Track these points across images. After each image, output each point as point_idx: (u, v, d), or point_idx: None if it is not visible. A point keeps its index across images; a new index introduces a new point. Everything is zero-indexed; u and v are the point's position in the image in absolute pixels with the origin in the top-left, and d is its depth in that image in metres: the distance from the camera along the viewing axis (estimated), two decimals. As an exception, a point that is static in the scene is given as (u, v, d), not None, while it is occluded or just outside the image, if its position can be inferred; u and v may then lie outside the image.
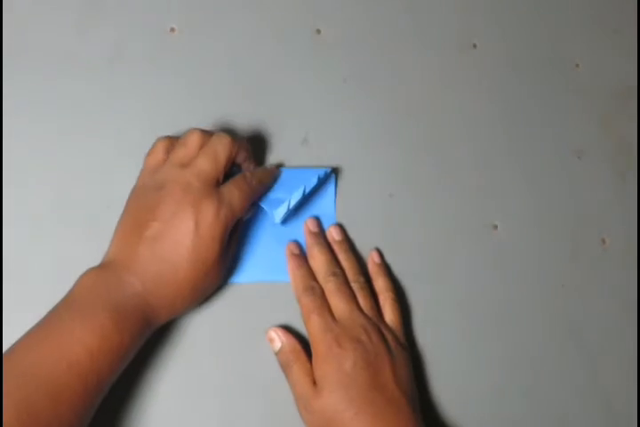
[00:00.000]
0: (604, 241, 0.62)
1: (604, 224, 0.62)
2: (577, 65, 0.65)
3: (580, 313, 0.59)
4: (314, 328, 0.47)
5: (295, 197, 0.49)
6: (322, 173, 0.51)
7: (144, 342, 0.43)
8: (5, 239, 0.47)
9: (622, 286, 0.61)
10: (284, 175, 0.51)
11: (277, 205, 0.49)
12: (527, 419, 0.56)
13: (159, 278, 0.42)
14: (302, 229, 0.52)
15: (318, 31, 0.57)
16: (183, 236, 0.42)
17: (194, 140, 0.45)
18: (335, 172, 0.54)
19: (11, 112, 0.49)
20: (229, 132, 0.52)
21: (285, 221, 0.51)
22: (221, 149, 0.45)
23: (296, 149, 0.54)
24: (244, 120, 0.53)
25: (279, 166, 0.52)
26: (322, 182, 0.52)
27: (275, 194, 0.50)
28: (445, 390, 0.54)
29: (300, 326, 0.50)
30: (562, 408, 0.57)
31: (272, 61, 0.55)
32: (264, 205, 0.49)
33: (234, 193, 0.45)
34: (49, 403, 0.36)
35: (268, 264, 0.51)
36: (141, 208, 0.43)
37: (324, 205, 0.54)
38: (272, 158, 0.53)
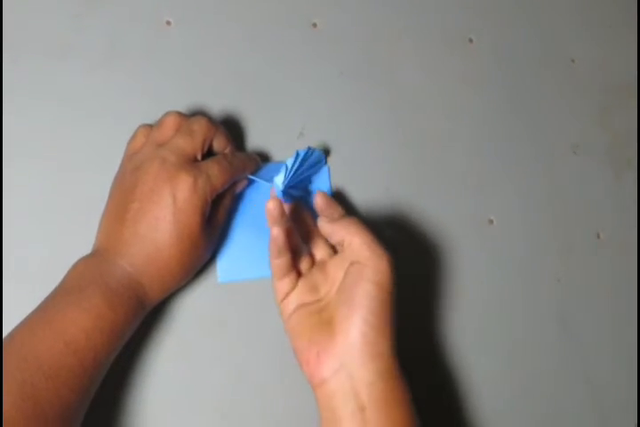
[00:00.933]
0: (598, 235, 0.62)
1: (600, 219, 0.62)
2: (573, 60, 0.65)
3: (575, 307, 0.59)
4: None
5: (290, 161, 0.47)
6: (308, 151, 0.49)
7: (140, 321, 0.43)
8: (3, 231, 0.47)
9: (617, 279, 0.61)
10: (271, 167, 0.51)
11: (274, 175, 0.48)
12: (521, 413, 0.56)
13: (146, 257, 0.42)
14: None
15: (314, 25, 0.57)
16: (162, 211, 0.42)
17: (170, 120, 0.45)
18: (330, 165, 0.54)
19: (6, 104, 0.49)
20: (226, 126, 0.52)
21: (287, 192, 0.48)
22: (198, 127, 0.45)
23: (292, 143, 0.54)
24: (240, 113, 0.53)
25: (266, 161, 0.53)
26: (312, 158, 0.50)
27: (267, 174, 0.50)
28: (438, 385, 0.54)
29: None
30: (552, 403, 0.57)
31: (268, 55, 0.55)
32: (261, 178, 0.49)
33: (212, 167, 0.44)
34: (49, 383, 0.36)
35: (260, 261, 0.50)
36: (121, 192, 0.44)
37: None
38: (268, 152, 0.53)
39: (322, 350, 0.42)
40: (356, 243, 0.43)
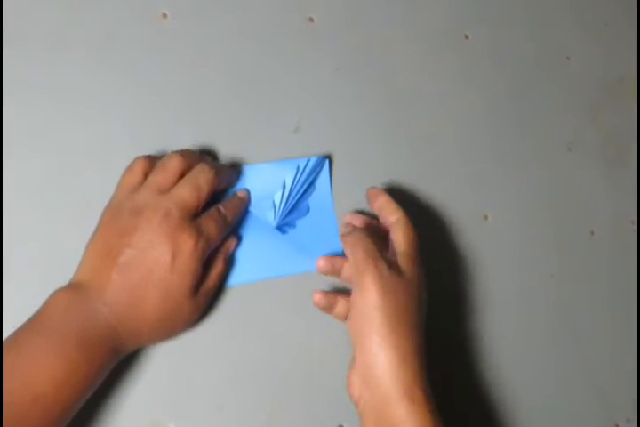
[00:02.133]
0: (592, 232, 0.62)
1: (594, 215, 0.63)
2: (568, 58, 0.66)
3: (568, 303, 0.60)
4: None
5: (278, 197, 0.50)
6: (302, 162, 0.51)
7: (109, 371, 0.42)
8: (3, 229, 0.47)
9: (610, 276, 0.62)
10: (268, 170, 0.51)
11: (267, 208, 0.50)
12: (517, 409, 0.56)
13: (128, 309, 0.41)
14: (300, 220, 0.52)
15: (311, 19, 0.57)
16: (158, 266, 0.41)
17: (174, 166, 0.44)
18: (330, 162, 0.54)
19: (6, 97, 0.48)
20: (221, 121, 0.52)
21: (286, 218, 0.51)
22: (203, 180, 0.44)
23: (288, 138, 0.54)
24: (236, 108, 0.53)
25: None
26: (308, 171, 0.52)
27: (262, 194, 0.50)
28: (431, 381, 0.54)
29: (299, 323, 0.51)
30: (553, 396, 0.57)
31: (264, 49, 0.55)
32: (255, 211, 0.50)
33: (210, 225, 0.44)
34: None
35: (268, 261, 0.51)
36: (116, 232, 0.42)
37: (321, 195, 0.53)
38: (264, 146, 0.53)
39: (350, 373, 0.44)
40: (349, 265, 0.46)
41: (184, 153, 0.45)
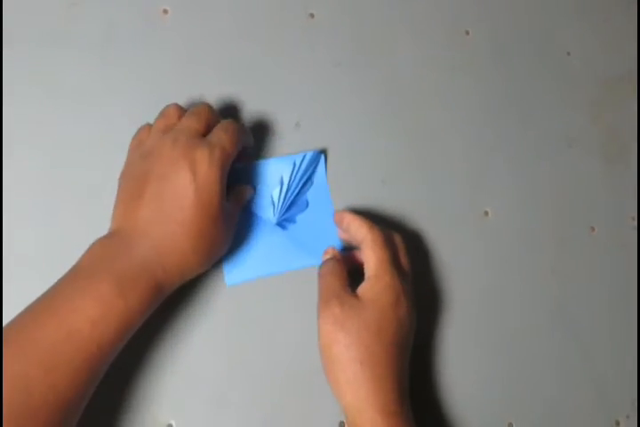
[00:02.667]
0: (592, 229, 0.62)
1: (594, 211, 0.63)
2: (568, 53, 0.65)
3: (569, 299, 0.60)
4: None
5: (276, 193, 0.50)
6: (298, 158, 0.51)
7: (155, 307, 0.42)
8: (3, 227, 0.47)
9: (611, 272, 0.62)
10: (265, 167, 0.51)
11: (266, 205, 0.50)
12: (518, 404, 0.56)
13: (167, 236, 0.40)
14: (300, 216, 0.52)
15: (312, 15, 0.57)
16: (182, 188, 0.40)
17: (172, 110, 0.45)
18: (326, 157, 0.54)
19: (5, 92, 0.48)
20: (222, 116, 0.52)
21: (285, 214, 0.51)
22: (202, 109, 0.45)
23: (289, 133, 0.54)
24: (236, 103, 0.53)
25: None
26: (304, 166, 0.52)
27: (260, 191, 0.51)
28: (434, 376, 0.54)
29: (301, 318, 0.51)
30: (553, 393, 0.57)
31: (265, 44, 0.55)
32: (254, 208, 0.50)
33: (221, 136, 0.43)
34: (46, 376, 0.35)
35: (269, 258, 0.51)
36: (133, 179, 0.42)
37: (318, 190, 0.53)
38: (265, 142, 0.53)
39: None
40: None
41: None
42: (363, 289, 0.46)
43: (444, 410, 0.53)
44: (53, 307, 0.37)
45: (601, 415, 0.59)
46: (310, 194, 0.53)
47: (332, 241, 0.52)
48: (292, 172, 0.51)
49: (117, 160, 0.47)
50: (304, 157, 0.51)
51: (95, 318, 0.37)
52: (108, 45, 0.51)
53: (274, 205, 0.50)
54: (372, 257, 0.46)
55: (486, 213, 0.59)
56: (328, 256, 0.49)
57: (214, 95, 0.53)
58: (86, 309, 0.37)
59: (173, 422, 0.47)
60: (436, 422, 0.52)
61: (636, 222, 0.64)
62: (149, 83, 0.51)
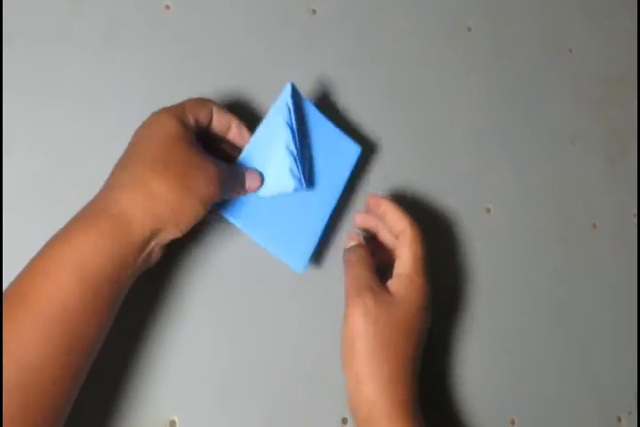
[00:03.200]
0: (594, 226, 0.62)
1: (596, 208, 0.63)
2: (570, 50, 0.65)
3: (570, 295, 0.60)
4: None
5: (285, 160, 0.47)
6: (282, 101, 0.47)
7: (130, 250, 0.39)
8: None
9: (612, 268, 0.62)
10: (260, 140, 0.48)
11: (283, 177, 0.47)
12: (521, 400, 0.56)
13: (128, 176, 0.40)
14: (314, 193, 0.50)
15: (314, 11, 0.57)
16: (140, 132, 0.42)
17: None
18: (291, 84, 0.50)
19: (4, 90, 0.48)
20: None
21: (306, 177, 0.48)
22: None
23: (291, 130, 0.54)
24: (239, 99, 0.53)
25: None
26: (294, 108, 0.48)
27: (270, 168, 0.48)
28: (438, 373, 0.54)
29: (304, 315, 0.51)
30: (556, 389, 0.57)
31: (267, 40, 0.55)
32: (272, 182, 0.47)
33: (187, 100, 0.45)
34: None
35: (274, 229, 0.48)
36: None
37: (336, 173, 0.51)
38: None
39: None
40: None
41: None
42: (396, 286, 0.46)
43: (448, 406, 0.53)
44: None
45: (603, 412, 0.59)
46: (321, 172, 0.50)
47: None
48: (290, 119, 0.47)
49: (119, 156, 0.47)
50: (285, 94, 0.48)
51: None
52: (110, 42, 0.51)
53: (293, 171, 0.47)
54: (409, 254, 0.46)
55: (488, 210, 0.59)
56: (353, 243, 0.48)
57: (216, 91, 0.52)
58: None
59: (176, 418, 0.47)
60: (440, 418, 0.52)
61: (637, 219, 0.64)
62: (151, 79, 0.51)
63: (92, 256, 0.37)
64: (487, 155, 0.60)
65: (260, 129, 0.47)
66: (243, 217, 0.47)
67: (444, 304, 0.55)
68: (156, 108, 0.49)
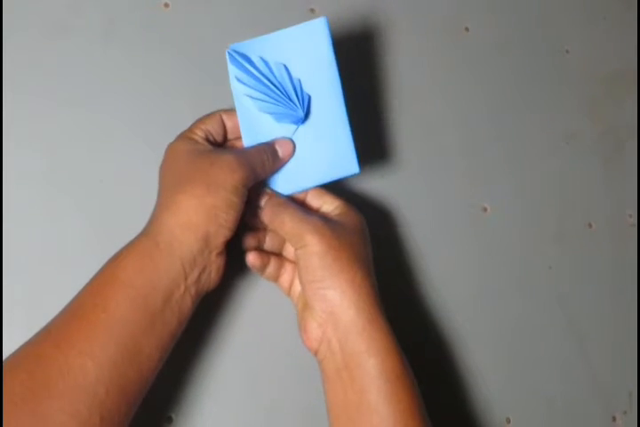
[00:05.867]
0: (590, 225, 0.63)
1: (591, 208, 0.63)
2: (567, 51, 0.66)
3: (566, 295, 0.60)
4: None
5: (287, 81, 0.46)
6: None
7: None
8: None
9: (608, 268, 0.62)
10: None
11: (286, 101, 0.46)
12: (516, 400, 0.56)
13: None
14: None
15: (312, 10, 0.57)
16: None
17: None
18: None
19: (5, 89, 0.48)
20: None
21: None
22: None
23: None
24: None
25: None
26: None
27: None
28: (431, 373, 0.54)
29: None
30: (551, 388, 0.57)
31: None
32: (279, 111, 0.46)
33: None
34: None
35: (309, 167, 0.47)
36: None
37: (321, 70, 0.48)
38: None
39: (306, 325, 0.44)
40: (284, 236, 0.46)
41: None
42: (333, 212, 0.47)
43: (442, 405, 0.53)
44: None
45: (598, 411, 0.59)
46: (313, 78, 0.48)
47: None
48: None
49: (117, 154, 0.47)
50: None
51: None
52: (108, 39, 0.51)
53: (291, 100, 0.46)
54: (333, 196, 0.48)
55: (485, 210, 0.59)
56: (265, 198, 0.47)
57: (214, 90, 0.52)
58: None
59: (173, 416, 0.47)
60: (434, 416, 0.52)
61: (633, 219, 0.64)
62: (150, 76, 0.51)
63: (137, 274, 0.39)
64: (483, 154, 0.60)
65: (242, 123, 0.47)
66: (281, 183, 0.47)
67: (440, 303, 0.55)
68: (154, 104, 0.49)
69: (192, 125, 0.45)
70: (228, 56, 0.46)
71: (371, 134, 0.57)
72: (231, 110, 0.46)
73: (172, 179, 0.42)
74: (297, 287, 0.47)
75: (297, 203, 0.47)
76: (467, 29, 0.62)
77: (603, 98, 0.66)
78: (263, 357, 0.50)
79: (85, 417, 0.35)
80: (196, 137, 0.44)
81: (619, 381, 0.60)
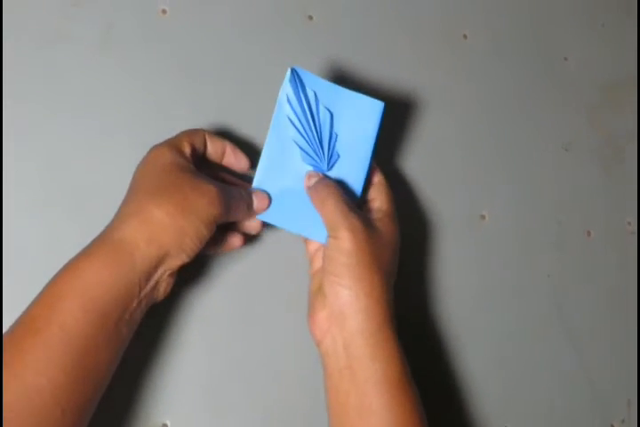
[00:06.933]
0: (589, 233, 0.63)
1: (590, 216, 0.63)
2: (565, 58, 0.66)
3: (565, 303, 0.60)
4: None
5: (326, 135, 0.48)
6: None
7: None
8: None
9: (607, 276, 0.62)
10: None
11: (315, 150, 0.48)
12: (514, 408, 0.56)
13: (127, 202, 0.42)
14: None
15: (310, 17, 0.57)
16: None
17: None
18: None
19: (5, 93, 0.48)
20: (219, 118, 0.52)
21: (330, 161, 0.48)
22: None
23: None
24: (234, 105, 0.53)
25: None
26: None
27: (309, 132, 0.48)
28: (429, 380, 0.54)
29: (297, 321, 0.51)
30: (549, 397, 0.57)
31: (263, 46, 0.55)
32: (306, 155, 0.48)
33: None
34: None
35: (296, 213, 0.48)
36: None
37: (360, 140, 0.49)
38: (262, 145, 0.53)
39: (315, 313, 0.45)
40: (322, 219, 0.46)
41: None
42: (375, 216, 0.47)
43: (441, 414, 0.53)
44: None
45: (596, 419, 0.59)
46: (348, 142, 0.49)
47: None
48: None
49: (114, 159, 0.47)
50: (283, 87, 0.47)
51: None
52: (107, 45, 0.51)
53: (322, 149, 0.48)
54: (387, 197, 0.49)
55: (483, 217, 0.59)
56: (315, 179, 0.47)
57: (212, 96, 0.53)
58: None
59: (168, 422, 0.46)
60: (433, 424, 0.52)
61: (632, 227, 0.64)
62: (147, 82, 0.51)
63: (95, 286, 0.38)
64: (482, 161, 0.60)
65: (269, 139, 0.48)
66: (273, 213, 0.47)
67: (438, 310, 0.55)
68: (152, 111, 0.49)
69: (179, 136, 0.45)
70: (289, 73, 0.47)
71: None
72: (213, 135, 0.47)
73: (148, 185, 0.42)
74: (319, 259, 0.47)
75: None
76: (465, 36, 0.62)
77: (602, 105, 0.66)
78: (258, 362, 0.50)
79: None
80: (183, 149, 0.44)
81: (617, 389, 0.60)
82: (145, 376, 0.47)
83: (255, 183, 0.47)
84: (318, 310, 0.45)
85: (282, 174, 0.48)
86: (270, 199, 0.47)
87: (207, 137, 0.46)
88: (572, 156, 0.64)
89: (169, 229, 0.40)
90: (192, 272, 0.49)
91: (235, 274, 0.50)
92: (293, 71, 0.46)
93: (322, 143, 0.48)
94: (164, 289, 0.42)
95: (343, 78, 0.57)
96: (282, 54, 0.55)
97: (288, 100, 0.47)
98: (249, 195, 0.46)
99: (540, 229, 0.61)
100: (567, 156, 0.63)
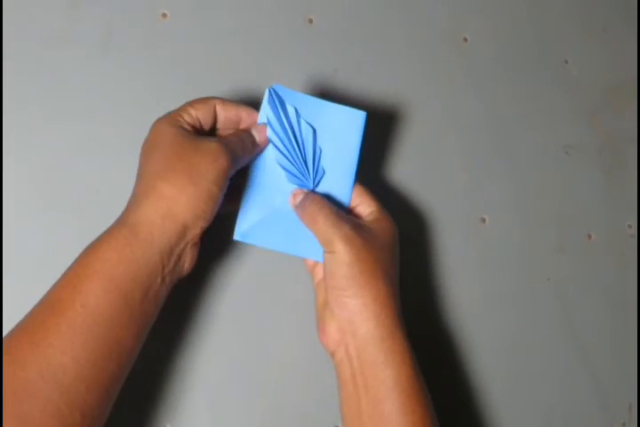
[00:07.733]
0: (589, 236, 0.62)
1: (590, 219, 0.63)
2: (566, 61, 0.66)
3: (566, 306, 0.60)
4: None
5: (310, 153, 0.47)
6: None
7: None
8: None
9: (607, 279, 0.62)
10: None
11: (301, 168, 0.47)
12: (516, 408, 0.56)
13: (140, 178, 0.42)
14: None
15: (310, 21, 0.57)
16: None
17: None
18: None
19: (5, 94, 0.48)
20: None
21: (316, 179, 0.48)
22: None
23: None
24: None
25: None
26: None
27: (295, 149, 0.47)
28: (432, 381, 0.54)
29: (296, 322, 0.51)
30: (551, 399, 0.57)
31: (263, 50, 0.55)
32: (291, 173, 0.47)
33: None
34: None
35: (283, 233, 0.47)
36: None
37: (343, 155, 0.49)
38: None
39: (325, 325, 0.45)
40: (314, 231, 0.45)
41: None
42: (367, 218, 0.47)
43: (442, 415, 0.53)
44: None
45: (598, 423, 0.59)
46: (332, 155, 0.49)
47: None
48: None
49: (115, 161, 0.47)
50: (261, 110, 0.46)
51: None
52: (107, 49, 0.51)
53: (307, 167, 0.47)
54: (371, 198, 0.48)
55: (483, 221, 0.59)
56: (302, 196, 0.47)
57: (213, 99, 0.53)
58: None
59: (168, 425, 0.46)
60: None
61: (632, 230, 0.64)
62: (148, 86, 0.51)
63: (116, 265, 0.38)
64: (482, 165, 0.60)
65: (252, 162, 0.47)
66: (265, 237, 0.47)
67: (439, 313, 0.55)
68: (152, 115, 0.49)
69: (182, 107, 0.44)
70: (267, 93, 0.46)
71: (368, 145, 0.56)
72: (228, 101, 0.46)
73: (153, 162, 0.42)
74: (321, 271, 0.47)
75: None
76: (465, 40, 0.62)
77: (603, 109, 0.66)
78: (259, 365, 0.50)
79: (67, 416, 0.35)
80: (183, 122, 0.43)
81: (619, 393, 0.60)
82: (146, 379, 0.47)
83: (242, 209, 0.46)
84: (328, 323, 0.45)
85: (269, 196, 0.47)
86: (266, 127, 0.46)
87: (218, 106, 0.45)
88: (572, 159, 0.64)
89: (181, 201, 0.40)
90: (195, 275, 0.49)
91: (237, 278, 0.51)
92: (271, 91, 0.46)
93: (306, 162, 0.47)
94: (189, 262, 0.42)
95: (344, 82, 0.57)
96: (282, 58, 0.55)
97: (269, 122, 0.46)
98: (248, 133, 0.46)
99: (541, 232, 0.61)
100: (568, 159, 0.63)
